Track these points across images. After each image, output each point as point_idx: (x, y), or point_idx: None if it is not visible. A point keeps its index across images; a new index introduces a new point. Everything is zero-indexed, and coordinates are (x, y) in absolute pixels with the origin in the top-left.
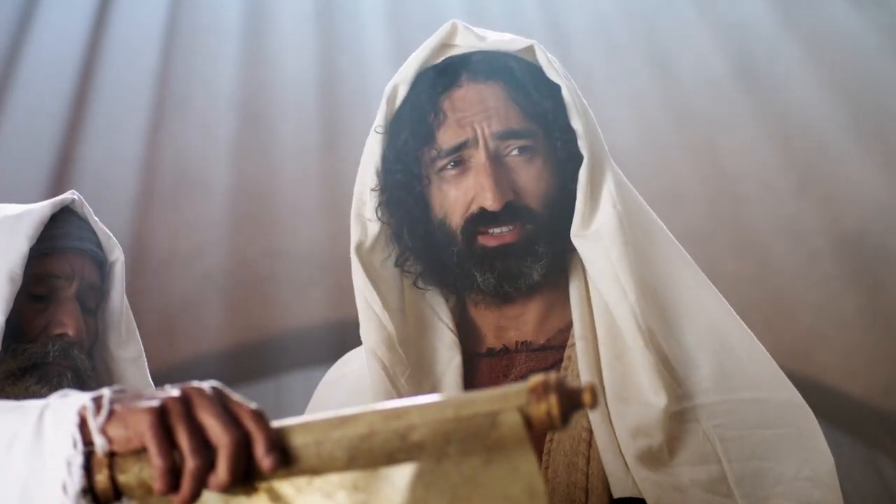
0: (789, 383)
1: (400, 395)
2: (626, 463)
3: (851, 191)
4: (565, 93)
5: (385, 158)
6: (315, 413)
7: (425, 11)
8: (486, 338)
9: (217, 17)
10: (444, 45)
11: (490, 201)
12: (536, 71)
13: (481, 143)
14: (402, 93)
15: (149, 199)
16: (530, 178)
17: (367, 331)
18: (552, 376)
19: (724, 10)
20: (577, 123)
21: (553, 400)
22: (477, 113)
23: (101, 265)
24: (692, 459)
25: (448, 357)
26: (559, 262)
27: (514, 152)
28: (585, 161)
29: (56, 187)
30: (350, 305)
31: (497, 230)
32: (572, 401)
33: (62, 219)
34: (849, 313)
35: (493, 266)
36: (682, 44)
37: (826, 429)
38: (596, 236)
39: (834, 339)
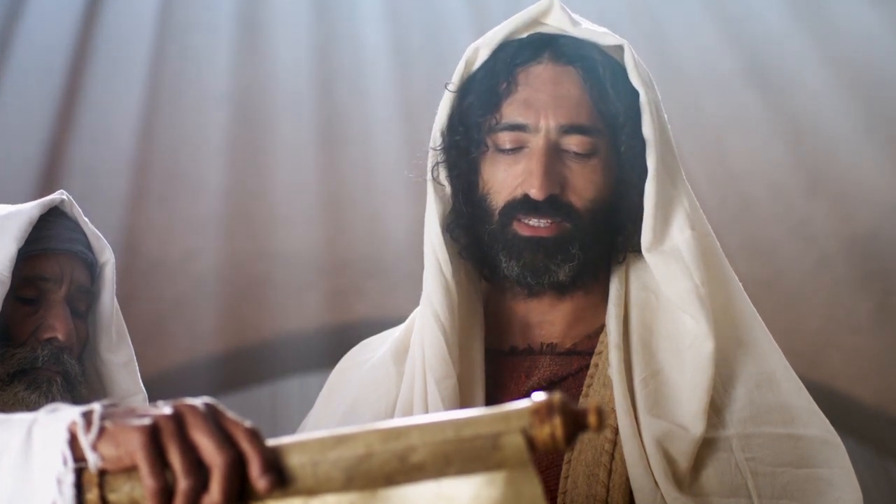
0: (825, 420)
1: (453, 365)
2: (655, 480)
3: (863, 192)
4: (643, 100)
5: (450, 119)
6: (325, 403)
7: (424, 7)
8: (510, 334)
9: (210, 12)
10: (536, 21)
11: (535, 190)
12: (620, 71)
13: (542, 131)
14: (481, 57)
15: (140, 200)
16: (582, 177)
17: (434, 294)
18: (556, 397)
19: (732, 5)
20: (648, 133)
21: (557, 422)
22: (547, 97)
23: (91, 267)
24: (723, 490)
25: (474, 347)
26: (592, 268)
27: (573, 147)
28: (652, 174)
29: (45, 187)
30: (347, 309)
31: (535, 221)
32: (577, 423)
33: (51, 220)
34: (860, 317)
35: (521, 255)
36: (689, 40)
37: None
38: (675, 255)
39: (844, 343)
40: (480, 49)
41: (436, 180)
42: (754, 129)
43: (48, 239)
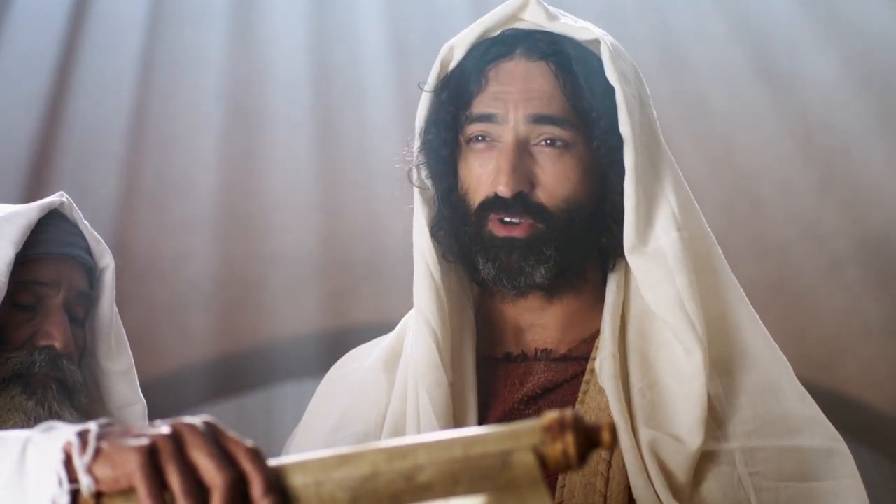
0: (831, 428)
1: (445, 372)
2: (657, 494)
3: (876, 191)
4: (619, 96)
5: (426, 120)
6: (314, 414)
7: (424, 2)
8: (503, 339)
9: (203, 5)
10: (514, 17)
11: (502, 186)
12: (598, 66)
13: (511, 122)
14: (457, 56)
15: (131, 200)
16: (554, 174)
17: (424, 300)
18: (568, 413)
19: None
20: (625, 130)
21: (569, 439)
22: (517, 91)
23: (90, 272)
24: None
25: (466, 353)
26: (577, 270)
27: (544, 142)
28: (630, 172)
29: (33, 187)
30: (344, 312)
31: (508, 219)
32: (590, 440)
33: (49, 222)
34: (872, 321)
35: (497, 257)
36: (697, 35)
37: (847, 443)
38: (658, 257)
39: (857, 348)
40: (455, 48)
41: (419, 183)
42: (764, 127)
43: (46, 243)
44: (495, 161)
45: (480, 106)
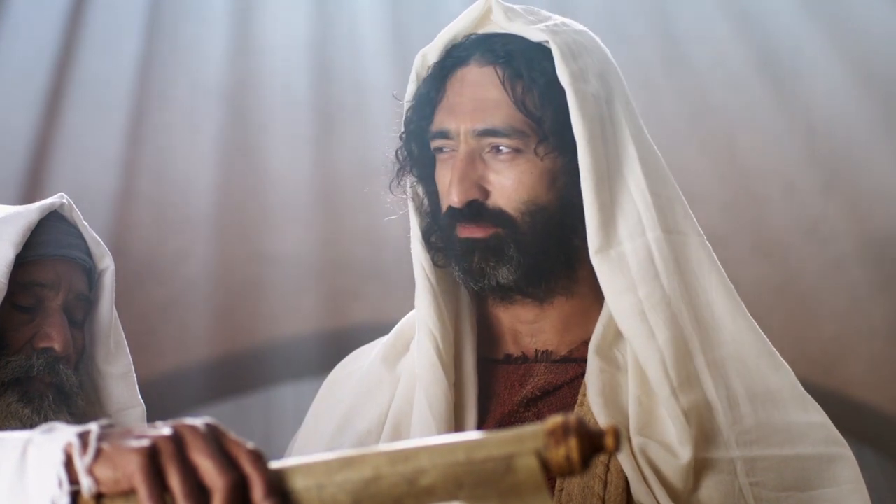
0: (833, 432)
1: (444, 373)
2: (656, 499)
3: (879, 191)
4: (570, 97)
5: (406, 131)
6: (316, 416)
7: (424, 1)
8: (503, 341)
9: (203, 4)
10: (484, 19)
11: (453, 196)
12: (553, 66)
13: (462, 137)
14: (429, 63)
15: (129, 200)
16: (508, 180)
17: (422, 303)
18: (572, 418)
19: None
20: (578, 131)
21: (573, 443)
22: (466, 101)
23: (90, 274)
24: None
25: (466, 355)
26: (548, 272)
27: (494, 150)
28: (585, 173)
29: (31, 186)
30: (344, 313)
31: (468, 226)
32: (594, 444)
33: (49, 224)
34: (876, 321)
35: (461, 259)
36: (698, 33)
37: (851, 445)
38: (620, 262)
39: (860, 348)
40: (427, 55)
41: (411, 193)
42: (767, 126)
43: (46, 244)
44: (450, 172)
45: (438, 120)
